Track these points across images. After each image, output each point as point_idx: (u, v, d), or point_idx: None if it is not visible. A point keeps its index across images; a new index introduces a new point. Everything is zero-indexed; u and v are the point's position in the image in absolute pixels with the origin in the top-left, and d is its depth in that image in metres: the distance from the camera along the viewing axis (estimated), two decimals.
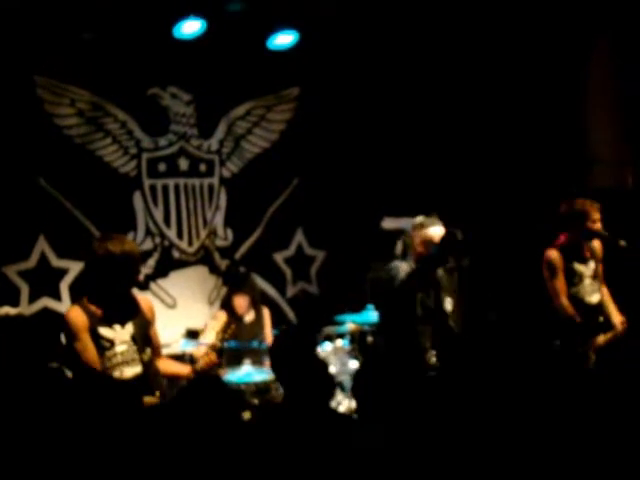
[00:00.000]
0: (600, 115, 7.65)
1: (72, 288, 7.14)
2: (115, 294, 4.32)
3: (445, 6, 7.53)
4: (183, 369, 4.58)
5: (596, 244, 5.94)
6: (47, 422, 3.13)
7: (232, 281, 7.12)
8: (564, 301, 5.77)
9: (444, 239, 5.18)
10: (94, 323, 4.23)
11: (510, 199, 7.76)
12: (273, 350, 3.96)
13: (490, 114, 7.90)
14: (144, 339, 4.37)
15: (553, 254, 5.83)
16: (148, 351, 4.37)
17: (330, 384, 3.86)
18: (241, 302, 6.83)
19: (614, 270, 6.07)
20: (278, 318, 7.51)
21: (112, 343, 4.26)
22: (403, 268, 5.30)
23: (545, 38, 7.58)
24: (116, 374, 4.22)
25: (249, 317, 6.91)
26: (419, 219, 5.40)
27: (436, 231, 5.31)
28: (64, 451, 3.01)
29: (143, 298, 4.58)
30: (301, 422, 3.42)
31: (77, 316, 4.22)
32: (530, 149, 7.75)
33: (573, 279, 5.86)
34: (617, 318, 5.87)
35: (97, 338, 4.22)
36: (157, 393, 4.29)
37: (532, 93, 7.69)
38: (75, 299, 4.51)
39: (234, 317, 6.68)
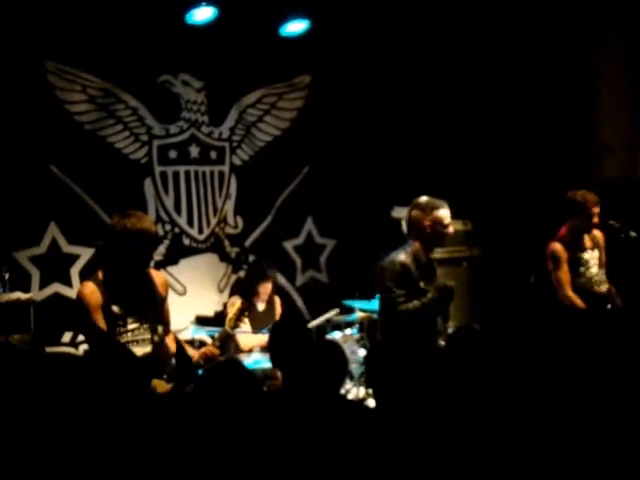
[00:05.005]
0: (610, 104, 7.60)
1: (82, 274, 7.16)
2: (130, 271, 4.28)
3: None
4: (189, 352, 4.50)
5: (597, 233, 5.98)
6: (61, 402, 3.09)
7: (259, 270, 6.92)
8: (569, 292, 5.79)
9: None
10: (107, 300, 4.20)
11: (519, 190, 7.75)
12: (269, 343, 3.99)
13: (499, 104, 7.88)
14: (156, 318, 4.35)
15: (556, 246, 5.90)
16: (160, 331, 4.34)
17: (341, 369, 3.76)
18: (267, 289, 6.75)
19: (623, 261, 6.07)
20: (288, 306, 7.50)
21: (124, 321, 4.24)
22: (399, 258, 5.21)
23: (555, 25, 7.55)
24: None
25: (262, 306, 6.82)
26: (424, 199, 5.30)
27: (446, 213, 5.25)
28: (80, 430, 2.99)
29: (157, 273, 4.56)
30: (304, 409, 3.40)
31: (91, 293, 4.18)
32: (539, 139, 7.73)
33: (579, 268, 5.87)
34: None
35: (109, 315, 4.19)
36: (164, 376, 4.26)
37: (541, 82, 7.66)
38: (89, 275, 4.47)
39: (249, 304, 6.56)
